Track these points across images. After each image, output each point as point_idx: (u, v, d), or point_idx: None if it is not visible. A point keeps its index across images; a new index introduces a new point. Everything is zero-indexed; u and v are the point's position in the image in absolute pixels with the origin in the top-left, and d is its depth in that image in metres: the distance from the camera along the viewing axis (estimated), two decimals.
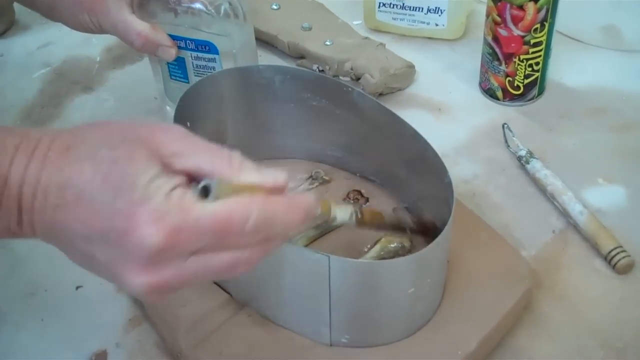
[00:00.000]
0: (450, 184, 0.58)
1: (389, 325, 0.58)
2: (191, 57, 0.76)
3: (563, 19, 0.81)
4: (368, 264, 0.58)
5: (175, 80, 0.80)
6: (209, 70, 0.76)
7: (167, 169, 0.43)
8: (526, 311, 0.64)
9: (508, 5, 0.78)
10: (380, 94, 0.88)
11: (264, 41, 0.96)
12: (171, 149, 0.43)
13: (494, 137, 0.82)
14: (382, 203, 0.70)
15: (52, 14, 0.76)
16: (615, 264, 0.66)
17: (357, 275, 0.54)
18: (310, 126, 0.71)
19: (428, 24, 0.96)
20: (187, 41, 0.75)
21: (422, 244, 0.64)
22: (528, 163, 0.76)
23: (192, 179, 0.43)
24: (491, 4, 0.80)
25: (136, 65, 0.96)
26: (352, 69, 0.87)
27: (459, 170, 0.78)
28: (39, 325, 0.65)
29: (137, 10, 0.73)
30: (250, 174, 0.44)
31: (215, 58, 0.76)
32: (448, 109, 0.87)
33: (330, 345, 0.58)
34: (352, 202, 0.71)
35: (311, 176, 0.73)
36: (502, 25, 0.80)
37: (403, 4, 0.95)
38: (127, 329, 0.65)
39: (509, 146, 0.80)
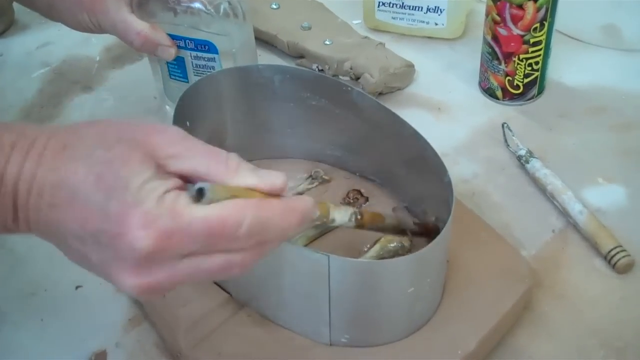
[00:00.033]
0: (449, 183, 0.58)
1: (389, 324, 0.58)
2: (191, 56, 0.76)
3: (563, 18, 0.81)
4: (368, 264, 0.58)
5: (175, 79, 0.80)
6: (209, 70, 0.76)
7: (162, 171, 0.42)
8: (526, 311, 0.64)
9: (507, 5, 0.78)
10: (380, 94, 0.88)
11: (264, 41, 0.96)
12: (167, 151, 0.43)
13: (493, 136, 0.82)
14: (382, 202, 0.70)
15: (52, 14, 0.76)
16: (615, 263, 0.66)
17: (357, 275, 0.54)
18: (310, 126, 0.71)
19: (427, 23, 0.95)
20: (187, 41, 0.75)
21: (422, 243, 0.64)
22: (528, 162, 0.76)
23: (187, 181, 0.43)
24: (491, 3, 0.80)
25: (136, 64, 0.96)
26: (351, 68, 0.87)
27: (458, 170, 0.78)
28: (39, 325, 0.65)
29: (136, 10, 0.73)
30: (247, 176, 0.43)
31: (214, 57, 0.76)
32: (448, 108, 0.87)
33: (330, 345, 0.58)
34: (351, 201, 0.71)
35: (311, 176, 0.73)
36: (501, 24, 0.79)
37: (402, 3, 0.95)
38: (126, 329, 0.65)
39: (508, 145, 0.80)
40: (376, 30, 0.99)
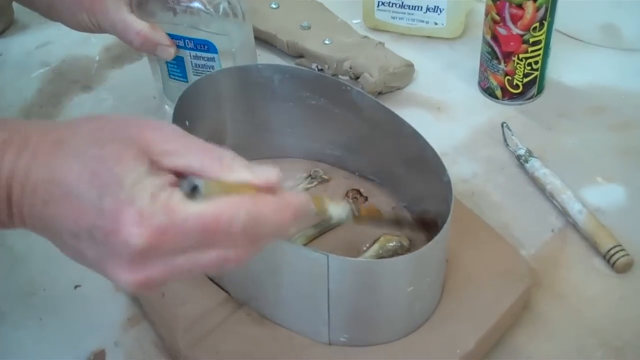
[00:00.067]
0: (449, 183, 0.58)
1: (388, 324, 0.58)
2: (190, 56, 0.76)
3: (562, 18, 0.81)
4: (367, 263, 0.58)
5: (174, 79, 0.80)
6: (208, 70, 0.76)
7: (156, 167, 0.42)
8: (525, 310, 0.64)
9: (507, 4, 0.78)
10: (380, 93, 0.88)
11: (263, 40, 0.96)
12: (161, 147, 0.43)
13: (493, 136, 0.82)
14: (381, 202, 0.70)
15: (51, 14, 0.76)
16: (614, 262, 0.66)
17: (356, 274, 0.54)
18: (309, 125, 0.71)
19: (427, 22, 0.95)
20: (186, 40, 0.75)
21: (421, 242, 0.64)
22: (527, 162, 0.76)
23: (181, 177, 0.43)
24: (490, 2, 0.80)
25: (135, 64, 0.96)
26: (351, 67, 0.87)
27: (458, 169, 0.78)
28: (38, 324, 0.65)
29: (136, 10, 0.73)
30: (242, 172, 0.43)
31: (214, 57, 0.76)
32: (447, 108, 0.87)
33: (329, 344, 0.58)
34: (351, 201, 0.71)
35: (310, 175, 0.73)
36: (501, 24, 0.79)
37: (402, 2, 0.95)
38: (125, 328, 0.65)
39: (508, 145, 0.80)
40: (376, 29, 0.99)
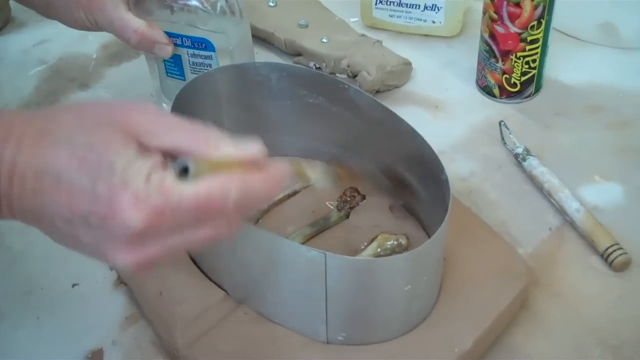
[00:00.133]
0: (446, 181, 0.58)
1: (386, 322, 0.58)
2: (187, 54, 0.76)
3: (560, 16, 0.81)
4: (364, 262, 0.58)
5: (172, 77, 0.79)
6: (206, 68, 0.76)
7: (143, 148, 0.43)
8: (523, 309, 0.64)
9: (505, 3, 0.78)
10: (377, 92, 0.88)
11: (261, 38, 0.96)
12: (146, 128, 0.44)
13: (490, 134, 0.82)
14: (379, 200, 0.70)
15: (48, 12, 0.76)
16: (612, 261, 0.66)
17: (354, 273, 0.54)
18: (307, 123, 0.71)
19: (425, 21, 0.95)
20: (184, 38, 0.75)
21: (419, 241, 0.64)
22: (525, 160, 0.76)
23: (169, 156, 0.44)
24: (488, 1, 0.80)
25: (132, 62, 0.96)
26: (348, 66, 0.87)
27: (455, 168, 0.78)
28: (35, 323, 0.65)
29: (133, 8, 0.73)
30: (227, 148, 0.45)
31: (211, 55, 0.75)
32: (445, 106, 0.87)
33: (327, 342, 0.58)
34: (348, 199, 0.71)
35: None
36: (498, 22, 0.79)
37: (400, 1, 0.95)
38: (123, 327, 0.65)
39: (505, 143, 0.80)
40: (373, 28, 0.99)
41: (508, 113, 0.84)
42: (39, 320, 0.65)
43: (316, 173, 0.54)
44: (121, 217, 0.41)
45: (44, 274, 0.69)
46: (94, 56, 0.98)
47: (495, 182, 0.77)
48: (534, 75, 0.84)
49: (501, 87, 0.85)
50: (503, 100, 0.86)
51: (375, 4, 0.96)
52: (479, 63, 0.87)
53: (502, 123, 0.81)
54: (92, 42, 0.99)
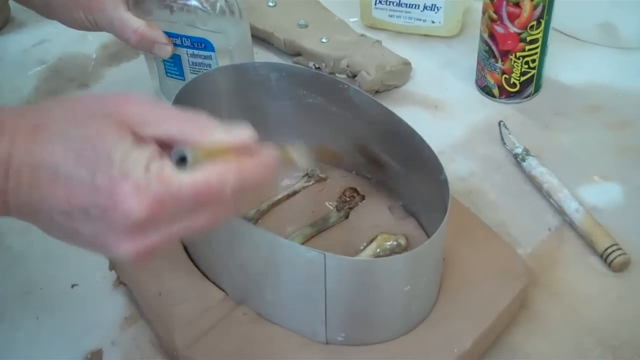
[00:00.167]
0: (446, 181, 0.58)
1: (385, 323, 0.58)
2: (187, 54, 0.76)
3: (559, 16, 0.81)
4: (364, 262, 0.58)
5: (171, 77, 0.79)
6: (205, 68, 0.76)
7: (138, 139, 0.43)
8: (522, 309, 0.64)
9: (504, 3, 0.78)
10: (377, 92, 0.88)
11: (260, 38, 0.96)
12: (140, 118, 0.44)
13: (490, 134, 0.82)
14: (378, 201, 0.70)
15: (48, 12, 0.76)
16: (611, 261, 0.66)
17: (353, 273, 0.54)
18: (306, 123, 0.71)
19: (424, 21, 0.95)
20: (183, 38, 0.75)
21: (419, 241, 0.64)
22: (524, 160, 0.76)
23: (163, 145, 0.44)
24: (488, 1, 0.80)
25: (132, 62, 0.96)
26: (348, 66, 0.87)
27: (455, 168, 0.78)
28: (34, 323, 0.65)
29: (132, 8, 0.73)
30: (219, 134, 0.45)
31: (211, 55, 0.76)
32: (444, 106, 0.87)
33: (326, 343, 0.58)
34: (347, 199, 0.70)
35: (307, 174, 0.73)
36: (498, 22, 0.79)
37: (399, 1, 0.95)
38: (122, 327, 0.65)
39: (505, 144, 0.80)
40: (373, 28, 0.99)
41: (507, 113, 0.84)
42: (38, 320, 0.65)
43: (297, 154, 0.55)
44: (123, 208, 0.41)
45: (43, 274, 0.69)
46: (94, 56, 0.98)
47: (494, 182, 0.77)
48: (533, 75, 0.84)
49: (500, 87, 0.85)
50: (502, 101, 0.86)
51: (375, 4, 0.96)
52: (478, 63, 0.87)
53: (502, 123, 0.81)
54: (91, 42, 0.99)
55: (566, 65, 0.91)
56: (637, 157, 0.79)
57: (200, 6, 0.73)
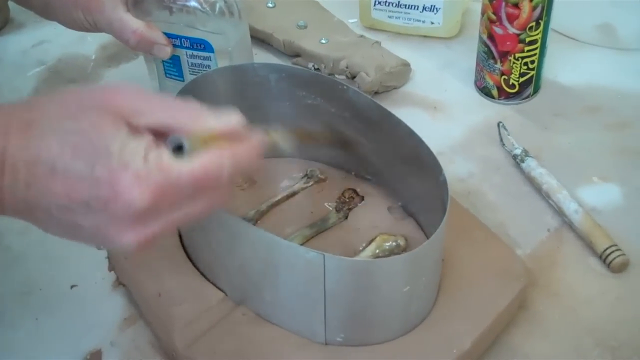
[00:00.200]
0: (445, 182, 0.58)
1: (384, 323, 0.58)
2: (186, 55, 0.76)
3: (558, 17, 0.81)
4: (363, 263, 0.58)
5: (171, 78, 0.79)
6: (204, 69, 0.76)
7: (133, 129, 0.44)
8: (521, 310, 0.64)
9: (503, 3, 0.78)
10: (376, 93, 0.88)
11: (260, 39, 0.96)
12: (132, 108, 0.44)
13: (489, 135, 0.82)
14: (377, 202, 0.70)
15: (47, 12, 0.76)
16: (610, 262, 0.66)
17: (352, 274, 0.54)
18: (306, 124, 0.71)
19: (423, 22, 0.96)
20: (182, 39, 0.75)
21: (418, 242, 0.64)
22: (523, 161, 0.76)
23: (157, 134, 0.45)
24: (486, 2, 0.80)
25: (131, 63, 0.96)
26: (347, 67, 0.87)
27: (454, 169, 0.78)
28: (34, 324, 0.65)
29: (132, 9, 0.73)
30: (209, 120, 0.46)
31: (210, 56, 0.76)
32: (443, 107, 0.87)
33: (325, 344, 0.58)
34: (347, 200, 0.70)
35: (306, 174, 0.73)
36: (497, 23, 0.80)
37: (399, 2, 0.95)
38: (121, 328, 0.65)
39: (504, 145, 0.80)
40: (372, 29, 0.99)
41: (506, 114, 0.84)
42: (37, 321, 0.65)
43: (280, 137, 0.55)
44: (124, 198, 0.42)
45: (42, 275, 0.69)
46: (93, 57, 0.98)
47: (493, 183, 0.77)
48: (532, 76, 0.84)
49: (500, 88, 0.85)
50: (501, 101, 0.86)
51: (374, 5, 0.97)
52: (477, 64, 0.87)
53: (501, 124, 0.81)
54: (90, 43, 0.99)
55: (565, 66, 0.91)
56: (636, 158, 0.79)
57: (199, 7, 0.73)
